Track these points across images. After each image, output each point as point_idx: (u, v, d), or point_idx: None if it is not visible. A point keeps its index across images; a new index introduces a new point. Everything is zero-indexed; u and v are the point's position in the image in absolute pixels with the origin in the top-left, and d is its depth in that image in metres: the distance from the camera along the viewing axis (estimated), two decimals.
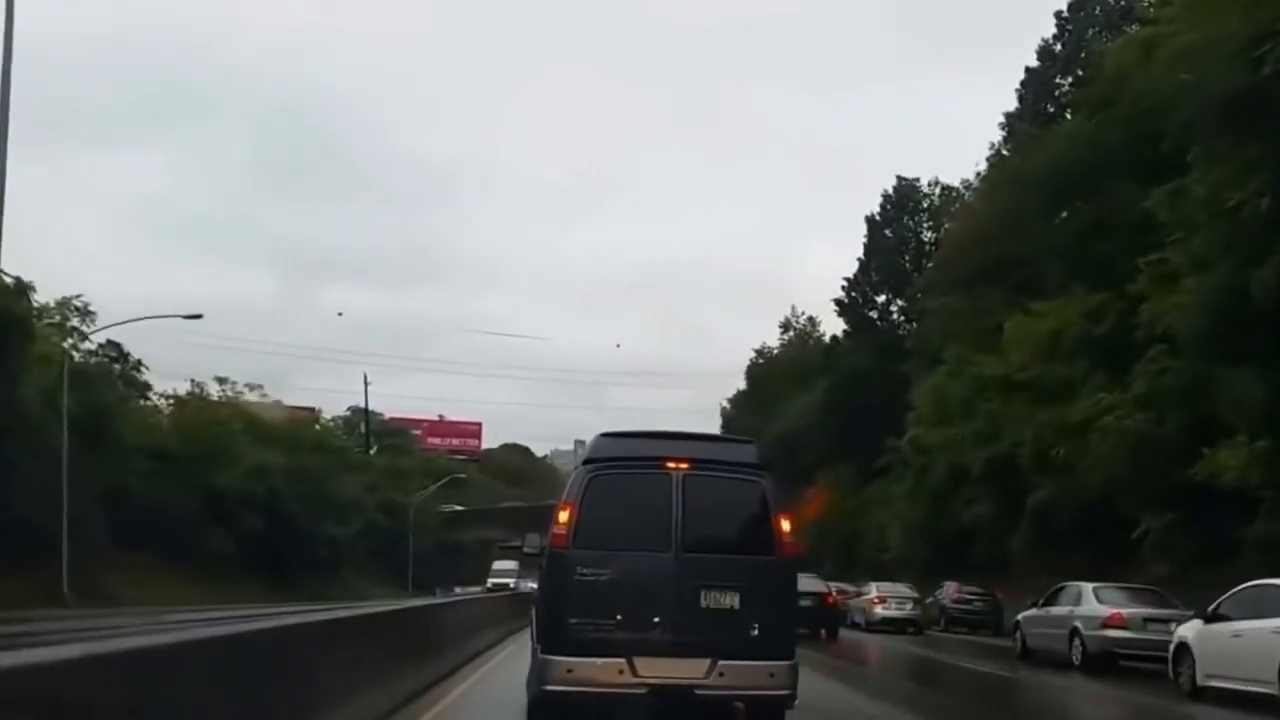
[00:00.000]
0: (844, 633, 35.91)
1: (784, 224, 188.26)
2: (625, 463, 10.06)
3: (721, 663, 9.46)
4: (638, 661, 9.40)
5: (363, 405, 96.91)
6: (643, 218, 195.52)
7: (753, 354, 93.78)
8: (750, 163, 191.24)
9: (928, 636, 34.47)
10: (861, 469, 62.24)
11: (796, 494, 74.66)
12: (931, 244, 65.44)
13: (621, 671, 9.37)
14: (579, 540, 9.60)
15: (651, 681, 9.42)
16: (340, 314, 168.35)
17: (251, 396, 59.16)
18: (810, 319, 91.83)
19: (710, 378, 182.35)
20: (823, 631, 30.39)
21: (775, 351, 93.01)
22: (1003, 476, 37.07)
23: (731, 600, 9.55)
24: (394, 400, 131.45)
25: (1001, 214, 49.07)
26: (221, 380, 58.63)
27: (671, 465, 9.82)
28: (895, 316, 67.16)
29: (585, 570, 9.51)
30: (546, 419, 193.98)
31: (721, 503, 9.99)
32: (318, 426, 75.17)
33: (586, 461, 10.19)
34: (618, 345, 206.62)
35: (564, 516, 9.68)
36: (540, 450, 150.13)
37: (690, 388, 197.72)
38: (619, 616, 9.44)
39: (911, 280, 64.59)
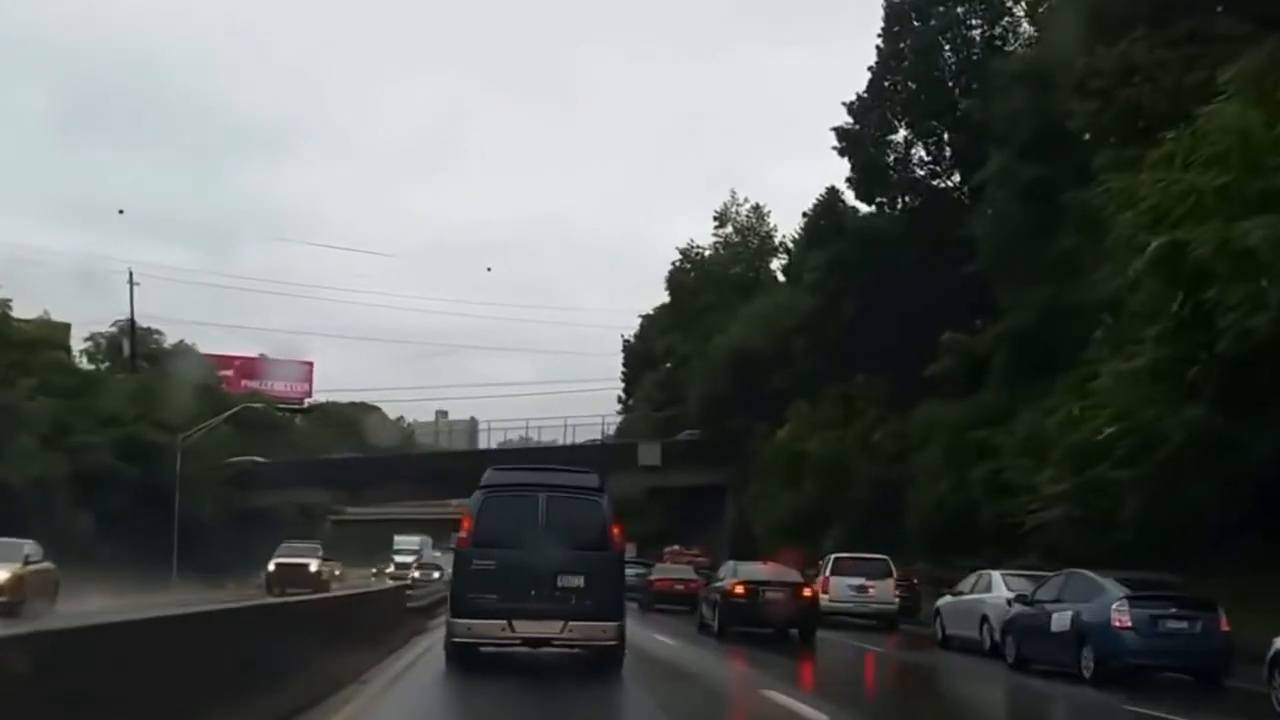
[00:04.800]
0: None
1: (639, 188, 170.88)
2: (507, 488, 14.56)
3: (570, 623, 13.62)
4: (515, 622, 13.63)
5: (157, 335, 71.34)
6: (494, 180, 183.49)
7: (676, 256, 69.94)
8: (602, 128, 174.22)
9: None
10: (898, 386, 39.10)
11: (766, 436, 51.90)
12: (983, 44, 42.19)
13: (504, 629, 13.67)
14: (475, 541, 13.98)
15: (524, 635, 13.82)
16: (121, 211, 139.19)
17: None
18: (756, 208, 68.50)
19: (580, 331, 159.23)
20: (793, 633, 22.59)
21: (707, 252, 69.29)
22: None
23: (578, 581, 13.65)
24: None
25: None
26: None
27: (537, 490, 14.23)
28: (923, 156, 43.62)
29: (479, 562, 13.88)
30: (405, 387, 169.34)
31: (572, 515, 14.09)
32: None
33: (481, 487, 14.46)
34: (489, 269, 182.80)
35: (466, 525, 14.22)
36: (393, 414, 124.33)
37: (552, 350, 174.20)
38: (502, 592, 13.66)
39: (955, 100, 41.29)
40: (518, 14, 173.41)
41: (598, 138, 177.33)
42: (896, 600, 28.36)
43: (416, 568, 61.04)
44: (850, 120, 43.26)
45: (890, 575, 28.36)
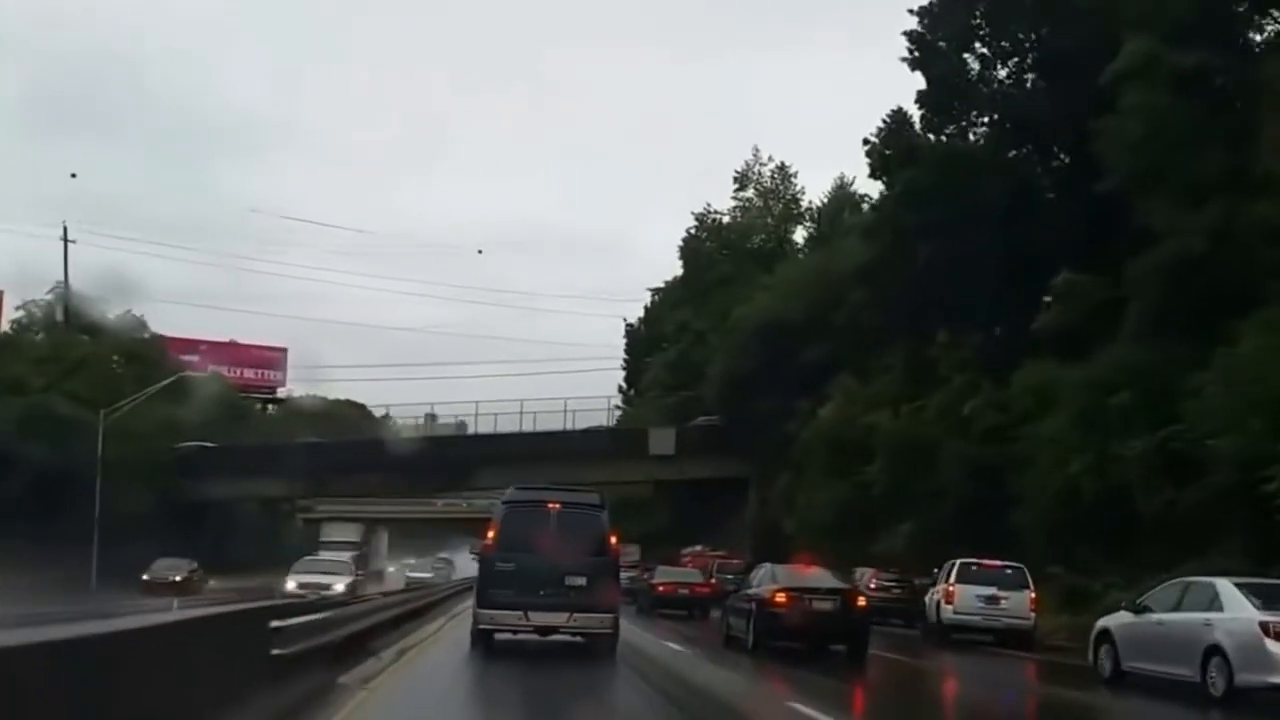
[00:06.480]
0: None
1: (616, 191, 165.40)
2: (526, 504, 17.59)
3: (575, 614, 16.37)
4: (530, 613, 16.38)
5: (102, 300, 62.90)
6: (471, 181, 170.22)
7: (691, 223, 61.81)
8: (595, 125, 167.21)
9: None
10: (989, 345, 31.11)
11: (805, 418, 43.39)
12: None
13: (520, 618, 16.52)
14: (499, 546, 16.71)
15: (536, 623, 16.59)
16: (74, 175, 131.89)
17: None
18: (781, 167, 60.38)
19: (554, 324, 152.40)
20: (838, 649, 19.43)
21: (725, 219, 61.20)
22: None
23: (582, 581, 16.33)
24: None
25: None
26: None
27: (550, 506, 17.15)
28: (1003, 78, 35.47)
29: (501, 564, 16.52)
30: (386, 365, 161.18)
31: (578, 527, 16.87)
32: None
33: (504, 503, 17.74)
34: (479, 251, 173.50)
35: (491, 534, 17.01)
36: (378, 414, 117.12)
37: (545, 340, 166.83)
38: (519, 588, 16.25)
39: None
40: (515, 13, 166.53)
41: (590, 134, 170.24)
42: (1033, 616, 23.27)
43: (299, 577, 33.20)
44: (921, 25, 35.15)
45: (1027, 586, 23.74)
